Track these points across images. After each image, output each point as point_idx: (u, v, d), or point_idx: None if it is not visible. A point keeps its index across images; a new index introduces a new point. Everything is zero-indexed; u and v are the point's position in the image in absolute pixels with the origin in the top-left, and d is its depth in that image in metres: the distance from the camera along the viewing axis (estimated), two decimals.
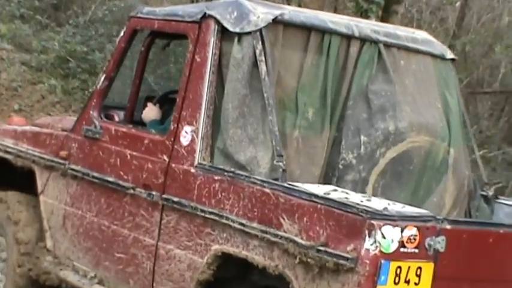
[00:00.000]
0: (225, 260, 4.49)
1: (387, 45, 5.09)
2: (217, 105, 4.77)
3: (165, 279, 4.81)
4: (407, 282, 3.82)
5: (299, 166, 4.74)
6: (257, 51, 4.66)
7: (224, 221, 4.45)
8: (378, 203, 3.99)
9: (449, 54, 5.39)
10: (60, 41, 11.82)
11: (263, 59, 4.65)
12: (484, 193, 5.24)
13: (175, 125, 4.88)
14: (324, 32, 4.89)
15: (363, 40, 5.01)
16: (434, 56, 5.29)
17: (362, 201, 3.98)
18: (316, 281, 3.95)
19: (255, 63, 4.67)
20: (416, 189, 4.98)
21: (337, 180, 4.82)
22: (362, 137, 4.87)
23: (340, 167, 4.83)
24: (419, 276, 3.84)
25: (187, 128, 4.80)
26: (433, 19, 14.25)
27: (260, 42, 4.67)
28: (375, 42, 5.04)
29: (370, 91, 4.96)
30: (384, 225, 3.78)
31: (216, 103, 4.77)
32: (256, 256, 4.27)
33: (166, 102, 5.70)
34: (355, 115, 4.92)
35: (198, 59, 4.83)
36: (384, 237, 3.77)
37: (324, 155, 4.84)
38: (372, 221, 3.78)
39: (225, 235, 4.46)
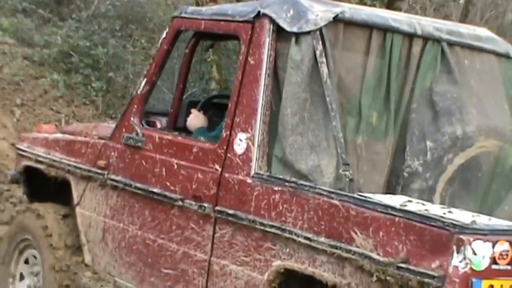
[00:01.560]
0: (288, 276, 4.17)
1: (450, 44, 4.77)
2: (274, 111, 4.45)
3: None
4: None
5: (362, 174, 4.43)
6: (317, 52, 4.35)
7: (287, 235, 4.13)
8: (462, 215, 3.67)
9: None
10: (63, 36, 11.70)
11: (324, 60, 4.33)
12: None
13: (228, 132, 4.56)
14: (385, 30, 4.58)
15: (426, 39, 4.70)
16: (498, 54, 4.97)
17: (445, 214, 3.66)
18: None
19: (315, 65, 4.36)
20: (485, 198, 4.66)
21: (402, 188, 4.50)
22: (428, 143, 4.55)
23: (406, 174, 4.51)
24: None
25: (242, 136, 4.49)
26: (436, 16, 14.13)
27: (320, 43, 4.36)
28: (438, 40, 4.73)
29: (435, 93, 4.64)
30: (474, 240, 3.46)
31: (272, 108, 4.45)
32: (325, 273, 3.95)
33: (211, 108, 5.39)
34: (419, 119, 4.60)
35: (252, 61, 4.51)
36: (474, 254, 3.45)
37: (388, 162, 4.52)
38: (461, 236, 3.46)
39: (288, 250, 4.15)
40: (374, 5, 9.32)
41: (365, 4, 9.42)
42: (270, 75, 4.46)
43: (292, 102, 4.35)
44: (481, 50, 4.89)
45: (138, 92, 5.22)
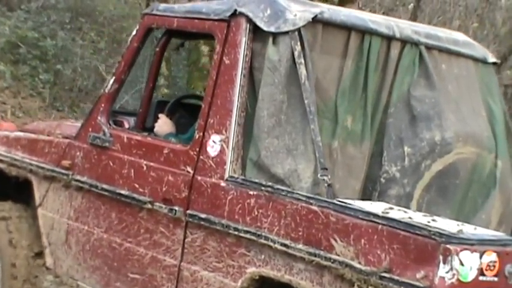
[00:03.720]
0: (263, 284, 4.03)
1: (428, 48, 4.68)
2: (250, 113, 4.31)
3: None
4: None
5: (338, 179, 4.30)
6: (296, 53, 4.22)
7: (262, 240, 4.00)
8: (447, 224, 3.57)
9: (491, 58, 4.99)
10: (11, 26, 11.61)
11: (303, 61, 4.21)
12: None
13: (201, 134, 4.41)
14: (364, 32, 4.47)
15: (404, 42, 4.60)
16: (475, 59, 4.89)
17: (429, 222, 3.56)
18: None
19: (293, 67, 4.23)
20: (462, 205, 4.57)
21: (378, 194, 4.39)
22: (405, 148, 4.45)
23: (382, 180, 4.41)
24: None
25: (216, 137, 4.34)
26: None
27: (299, 43, 4.23)
28: (416, 44, 4.63)
29: (413, 97, 4.55)
30: (461, 250, 3.36)
31: (248, 110, 4.32)
32: (303, 281, 3.83)
33: (178, 110, 5.24)
34: (396, 124, 4.50)
35: (227, 61, 4.37)
36: (462, 264, 3.34)
37: (364, 167, 4.41)
38: (448, 246, 3.36)
39: (263, 256, 4.02)
40: None
41: None
42: (246, 76, 4.32)
43: (269, 104, 4.22)
44: (459, 54, 4.81)
45: (106, 90, 5.06)
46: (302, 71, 4.19)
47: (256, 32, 4.34)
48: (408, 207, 4.32)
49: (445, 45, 4.76)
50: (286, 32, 4.25)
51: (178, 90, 10.41)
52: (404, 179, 4.41)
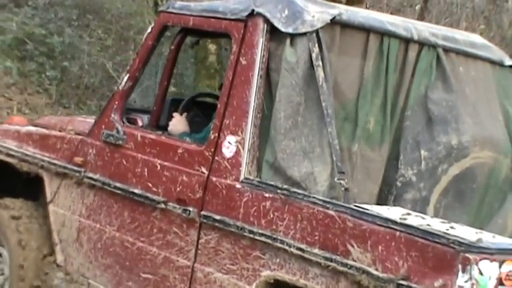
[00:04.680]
0: (277, 287, 4.01)
1: (446, 50, 4.64)
2: (266, 114, 4.28)
3: None
4: None
5: (356, 183, 4.28)
6: (313, 55, 4.18)
7: (278, 244, 3.97)
8: (466, 232, 3.54)
9: (509, 61, 4.94)
10: (18, 23, 11.56)
11: (320, 63, 4.17)
12: None
13: (216, 134, 4.38)
14: (383, 34, 4.43)
15: (422, 44, 4.56)
16: (493, 62, 4.85)
17: (448, 230, 3.52)
18: None
19: (310, 68, 4.19)
20: (478, 210, 4.54)
21: (394, 198, 4.36)
22: (422, 152, 4.42)
23: (399, 184, 4.37)
24: None
25: (231, 138, 4.31)
26: None
27: (317, 45, 4.19)
28: (434, 46, 4.59)
29: (430, 100, 4.51)
30: (480, 259, 3.33)
31: (264, 111, 4.28)
32: (318, 286, 3.80)
33: (193, 108, 5.20)
34: (414, 127, 4.46)
35: (244, 62, 4.33)
36: (481, 274, 3.31)
37: (382, 171, 4.38)
38: (467, 255, 3.33)
39: (278, 260, 3.99)
40: None
41: None
42: (263, 77, 4.28)
43: (286, 105, 4.19)
44: (476, 57, 4.77)
45: (120, 87, 5.02)
46: (320, 73, 4.15)
47: (274, 32, 4.30)
48: (425, 212, 4.29)
49: (462, 48, 4.72)
50: (304, 34, 4.21)
51: (185, 89, 10.39)
52: (421, 183, 4.38)
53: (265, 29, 4.30)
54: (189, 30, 4.91)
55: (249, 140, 4.24)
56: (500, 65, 4.89)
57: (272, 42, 4.30)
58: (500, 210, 4.57)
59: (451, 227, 3.62)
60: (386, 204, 4.28)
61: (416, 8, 13.54)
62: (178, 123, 4.94)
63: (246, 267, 4.12)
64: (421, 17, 12.68)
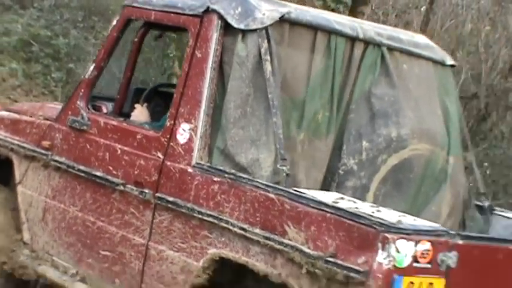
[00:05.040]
0: (222, 264, 4.33)
1: (390, 49, 4.97)
2: (218, 104, 4.60)
3: (155, 280, 4.64)
4: None
5: (302, 170, 4.60)
6: (262, 50, 4.51)
7: (223, 224, 4.29)
8: (389, 215, 3.87)
9: (449, 60, 5.29)
10: (24, 24, 11.62)
11: (268, 58, 4.49)
12: (479, 203, 5.15)
13: (172, 122, 4.70)
14: (330, 32, 4.75)
15: (367, 42, 4.89)
16: (435, 61, 5.19)
17: (373, 212, 3.86)
18: None
19: (259, 62, 4.51)
20: (415, 198, 4.87)
21: (337, 186, 4.69)
22: (364, 143, 4.75)
23: (341, 172, 4.70)
24: None
25: (185, 126, 4.63)
26: (398, 22, 13.99)
27: (266, 41, 4.51)
28: (379, 45, 4.92)
29: (373, 95, 4.84)
30: (398, 238, 3.66)
31: (216, 101, 4.61)
32: (258, 263, 4.12)
33: (155, 98, 5.51)
34: (357, 119, 4.79)
35: (199, 55, 4.65)
36: (398, 252, 3.65)
37: (327, 160, 4.71)
38: (386, 234, 3.66)
39: (223, 239, 4.31)
40: (338, 9, 9.43)
41: (329, 7, 9.47)
42: (216, 69, 4.60)
43: (236, 96, 4.51)
44: (419, 56, 5.10)
45: (86, 76, 5.33)
46: (267, 66, 4.47)
47: (227, 28, 4.62)
48: (364, 199, 4.62)
49: (406, 47, 5.05)
50: (255, 30, 4.54)
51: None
52: (362, 172, 4.71)
53: (219, 25, 4.62)
54: (151, 24, 5.23)
55: (201, 127, 4.56)
56: (442, 64, 5.23)
57: (225, 37, 4.62)
58: (435, 198, 4.91)
59: (377, 210, 3.95)
60: (329, 191, 4.61)
61: (422, 9, 13.68)
62: (139, 114, 5.26)
63: (195, 245, 4.44)
64: (426, 19, 12.75)
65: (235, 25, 4.59)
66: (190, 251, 4.46)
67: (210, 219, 4.36)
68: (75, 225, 5.18)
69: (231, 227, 4.25)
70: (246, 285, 4.40)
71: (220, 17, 4.63)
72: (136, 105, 5.29)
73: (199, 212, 4.42)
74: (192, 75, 4.66)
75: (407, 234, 3.69)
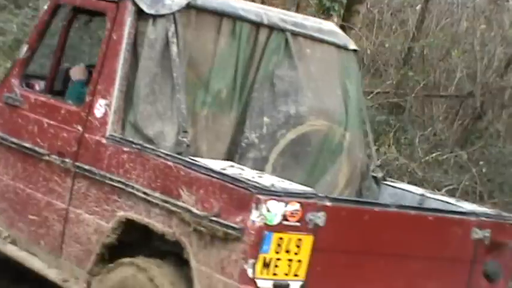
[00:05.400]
0: (129, 225, 4.83)
1: (294, 34, 5.46)
2: (131, 82, 5.09)
3: (73, 241, 5.13)
4: (287, 252, 4.21)
5: (206, 142, 5.10)
6: (170, 33, 5.00)
7: (129, 189, 4.79)
8: (267, 180, 4.37)
9: (352, 45, 5.79)
10: (19, 24, 11.82)
11: (175, 41, 4.98)
12: (374, 175, 5.66)
13: (91, 98, 5.19)
14: (235, 18, 5.24)
15: (272, 28, 5.38)
16: (338, 46, 5.69)
17: (253, 177, 4.36)
18: (207, 248, 4.32)
19: (167, 45, 5.00)
20: (312, 169, 5.39)
21: (240, 157, 5.19)
22: (265, 119, 5.25)
23: (243, 145, 5.21)
24: (299, 247, 4.23)
25: (101, 101, 5.12)
26: (393, 21, 14.31)
27: (173, 25, 5.00)
28: (283, 30, 5.41)
29: (276, 76, 5.34)
30: (269, 200, 4.16)
31: (129, 79, 5.09)
32: (157, 223, 4.62)
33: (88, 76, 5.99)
34: (260, 98, 5.29)
35: (115, 37, 5.14)
36: (268, 211, 4.15)
37: (231, 133, 5.20)
38: (259, 196, 4.16)
39: (129, 203, 4.80)
40: (333, 7, 9.64)
41: (324, 6, 9.71)
42: (129, 51, 5.09)
43: (145, 75, 5.01)
44: (323, 41, 5.60)
45: (20, 56, 5.81)
46: (174, 49, 4.97)
47: (140, 13, 5.11)
48: (264, 169, 5.13)
49: (309, 33, 5.55)
50: (163, 15, 5.03)
51: None
52: (262, 145, 5.22)
53: (132, 10, 5.11)
54: (77, 9, 5.72)
55: (115, 103, 5.05)
56: (345, 48, 5.73)
57: (138, 21, 5.11)
58: (332, 170, 5.43)
59: (259, 176, 4.45)
60: (233, 161, 5.11)
61: (417, 8, 13.84)
62: (79, 69, 5.75)
63: (106, 208, 4.94)
64: (421, 17, 12.86)
65: (146, 10, 5.08)
66: (103, 214, 4.96)
67: (119, 185, 4.86)
68: (8, 193, 5.67)
69: (135, 192, 4.75)
70: (154, 245, 4.91)
71: (134, 3, 5.12)
72: (80, 63, 5.75)
73: (111, 179, 4.92)
74: (109, 56, 5.16)
75: (278, 196, 4.19)
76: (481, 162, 10.54)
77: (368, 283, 4.54)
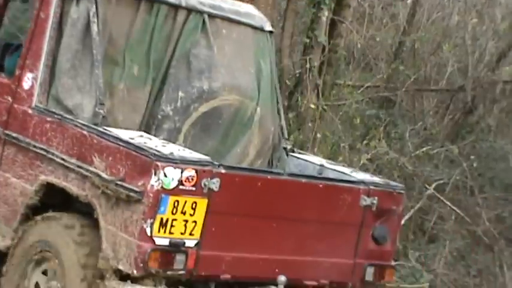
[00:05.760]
0: (49, 188, 5.31)
1: (212, 16, 5.94)
2: (55, 57, 5.55)
3: (2, 202, 5.61)
4: (183, 213, 4.71)
5: (123, 114, 5.58)
6: (91, 13, 5.46)
7: (50, 156, 5.27)
8: (169, 149, 4.86)
9: (268, 27, 6.27)
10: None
11: (95, 20, 5.45)
12: (284, 146, 6.18)
13: (20, 71, 5.66)
14: (153, 1, 5.71)
15: (190, 10, 5.85)
16: (254, 27, 6.17)
17: (156, 146, 4.85)
18: (113, 209, 4.81)
19: (88, 24, 5.47)
20: (223, 140, 5.89)
21: (156, 128, 5.69)
22: (180, 93, 5.74)
23: (159, 117, 5.70)
24: (194, 209, 4.73)
25: (29, 75, 5.59)
26: (384, 14, 14.12)
27: (94, 6, 5.46)
28: (201, 12, 5.88)
29: (192, 54, 5.82)
30: (166, 166, 4.66)
31: (54, 55, 5.56)
32: (73, 187, 5.11)
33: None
34: (176, 74, 5.78)
35: (42, 16, 5.60)
36: (165, 176, 4.65)
37: (146, 106, 5.68)
38: (157, 163, 4.66)
39: (50, 168, 5.28)
40: (323, 1, 9.72)
41: (314, 0, 9.83)
42: (55, 29, 5.55)
43: (67, 51, 5.48)
44: (239, 23, 6.08)
45: None
46: (94, 28, 5.43)
47: None
48: (177, 139, 5.64)
49: (227, 15, 6.03)
50: None
51: None
52: (176, 117, 5.72)
53: None
54: None
55: (41, 76, 5.52)
56: (261, 30, 6.22)
57: (64, 2, 5.57)
58: (242, 141, 5.94)
59: (163, 145, 4.94)
60: (150, 132, 5.60)
61: (408, 2, 13.76)
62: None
63: (31, 173, 5.42)
64: (413, 11, 12.85)
65: None
66: (27, 178, 5.44)
67: (42, 151, 5.34)
68: None
69: (55, 158, 5.23)
70: (74, 207, 5.39)
71: None
72: None
73: (35, 146, 5.39)
74: (36, 33, 5.62)
75: (175, 163, 4.69)
76: (472, 157, 10.44)
77: (261, 243, 5.06)
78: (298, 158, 6.08)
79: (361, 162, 9.22)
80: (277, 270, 5.07)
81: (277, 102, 6.26)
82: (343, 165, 6.07)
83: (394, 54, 12.64)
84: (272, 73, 6.23)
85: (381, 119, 11.20)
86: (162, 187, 4.66)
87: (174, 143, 5.45)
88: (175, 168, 4.68)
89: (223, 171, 4.82)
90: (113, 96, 5.52)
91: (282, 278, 5.01)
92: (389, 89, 11.89)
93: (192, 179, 4.72)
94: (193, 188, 4.73)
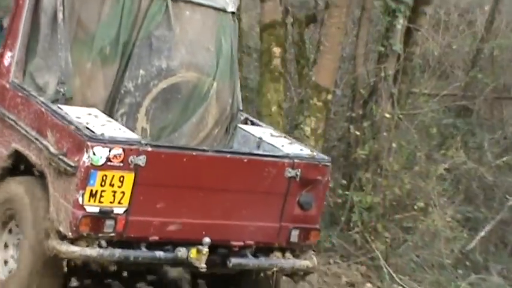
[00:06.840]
0: (18, 155, 6.17)
1: (175, 0, 6.62)
2: (30, 39, 6.36)
3: None
4: (111, 185, 5.50)
5: (90, 90, 6.37)
6: (58, 2, 6.22)
7: (18, 127, 6.12)
8: (105, 129, 5.62)
9: (231, 8, 6.91)
10: None
11: (61, 8, 6.22)
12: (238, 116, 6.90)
13: (3, 49, 6.49)
14: None
15: None
16: (216, 9, 6.83)
17: (94, 126, 5.63)
18: (58, 179, 5.63)
19: (55, 11, 6.24)
20: (182, 113, 6.63)
21: (119, 102, 6.47)
22: (141, 71, 6.49)
23: (122, 92, 6.47)
24: (122, 181, 5.52)
25: (9, 54, 6.42)
26: (461, 22, 13.76)
27: None
28: None
29: (153, 36, 6.55)
30: (96, 146, 5.44)
31: (30, 37, 6.36)
32: (33, 156, 5.95)
33: None
34: (139, 54, 6.52)
35: (21, 2, 6.40)
36: (94, 154, 5.44)
37: (113, 83, 6.46)
38: (88, 142, 5.45)
39: (19, 137, 6.13)
40: (399, 9, 9.55)
41: (390, 7, 9.61)
42: (31, 13, 6.35)
43: (39, 34, 6.27)
44: (201, 4, 6.75)
45: None
46: (60, 15, 6.21)
47: None
48: (138, 112, 6.42)
49: None
50: None
51: (250, 92, 10.50)
52: (137, 92, 6.48)
53: None
54: None
55: (17, 55, 6.35)
56: (223, 11, 6.87)
57: None
58: (199, 112, 6.66)
59: (102, 125, 5.70)
60: (114, 106, 6.39)
61: (486, 8, 13.50)
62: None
63: (6, 139, 6.27)
64: (490, 17, 12.48)
65: None
66: (4, 144, 6.31)
67: (13, 122, 6.19)
68: None
69: (21, 129, 6.08)
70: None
71: None
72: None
73: (9, 117, 6.25)
74: (16, 16, 6.43)
75: (103, 142, 5.46)
76: None
77: (188, 209, 5.82)
78: (244, 129, 6.77)
79: (438, 172, 9.05)
80: (204, 232, 5.82)
81: (236, 77, 6.93)
82: (285, 137, 6.71)
83: (472, 61, 12.39)
84: (232, 50, 6.89)
85: (458, 128, 11.12)
86: (91, 164, 5.45)
87: (135, 116, 6.26)
88: (103, 147, 5.46)
89: (149, 149, 5.58)
90: (82, 74, 6.30)
91: (206, 239, 5.77)
92: (467, 97, 11.74)
93: (120, 156, 5.50)
94: (121, 164, 5.51)
